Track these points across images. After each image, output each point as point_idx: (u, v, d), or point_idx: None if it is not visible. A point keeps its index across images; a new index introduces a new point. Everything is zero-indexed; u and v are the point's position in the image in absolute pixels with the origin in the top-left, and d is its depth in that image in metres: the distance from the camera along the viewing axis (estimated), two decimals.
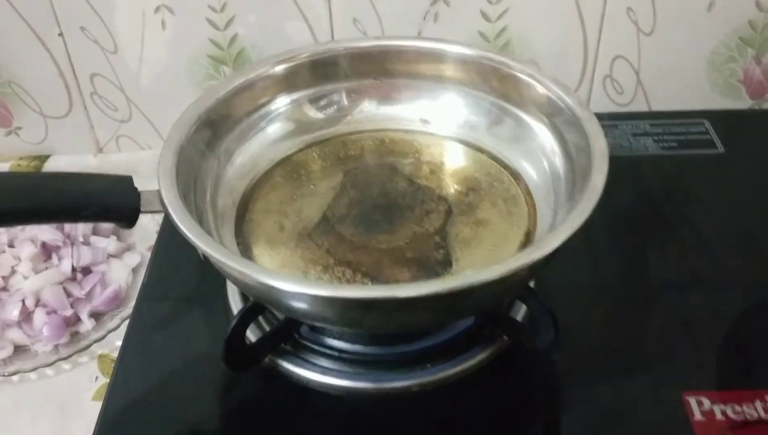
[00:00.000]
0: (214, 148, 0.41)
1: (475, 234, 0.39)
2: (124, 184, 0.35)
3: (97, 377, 0.45)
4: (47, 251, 0.49)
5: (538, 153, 0.41)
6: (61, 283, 0.48)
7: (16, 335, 0.46)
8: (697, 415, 0.35)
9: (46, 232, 0.49)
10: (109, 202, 0.34)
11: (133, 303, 0.45)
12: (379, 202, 0.41)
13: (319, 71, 0.45)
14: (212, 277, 0.42)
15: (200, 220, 0.36)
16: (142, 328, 0.42)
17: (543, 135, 0.41)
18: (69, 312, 0.47)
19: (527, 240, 0.39)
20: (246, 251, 0.38)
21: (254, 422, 0.37)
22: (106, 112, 0.62)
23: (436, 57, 0.45)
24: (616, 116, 0.57)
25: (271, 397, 0.38)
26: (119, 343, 0.42)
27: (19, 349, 0.46)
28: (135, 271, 0.51)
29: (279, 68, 0.44)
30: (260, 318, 0.39)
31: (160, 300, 0.44)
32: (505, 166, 0.43)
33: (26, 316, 0.47)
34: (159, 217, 0.51)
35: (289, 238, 0.39)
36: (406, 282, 0.36)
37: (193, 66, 0.59)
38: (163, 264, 0.46)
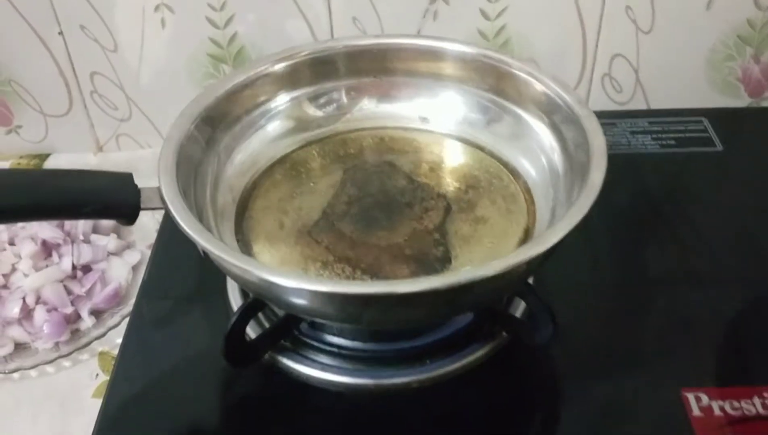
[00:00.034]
0: (214, 146, 0.41)
1: (474, 231, 0.39)
2: (125, 181, 0.35)
3: (97, 374, 0.45)
4: (48, 249, 0.50)
5: (537, 150, 0.41)
6: (61, 281, 0.48)
7: (17, 333, 0.46)
8: (696, 411, 0.35)
9: (46, 230, 0.50)
10: (110, 198, 0.34)
11: (133, 301, 0.45)
12: (379, 199, 0.41)
13: (319, 69, 0.45)
14: (212, 274, 0.42)
15: (200, 217, 0.36)
16: (142, 326, 0.42)
17: (542, 132, 0.41)
18: (69, 309, 0.47)
19: (526, 237, 0.39)
20: (246, 248, 0.39)
21: (254, 419, 0.37)
22: (106, 111, 0.62)
23: (435, 55, 0.45)
24: (614, 114, 0.57)
25: (271, 393, 0.38)
26: (119, 340, 0.42)
27: (19, 347, 0.46)
28: (135, 268, 0.51)
29: (279, 66, 0.44)
30: (260, 315, 0.40)
31: (160, 297, 0.44)
32: (504, 164, 0.43)
33: (27, 313, 0.47)
34: (159, 216, 0.51)
35: (288, 235, 0.39)
36: (406, 278, 0.36)
37: (192, 64, 0.59)
38: (163, 262, 0.46)
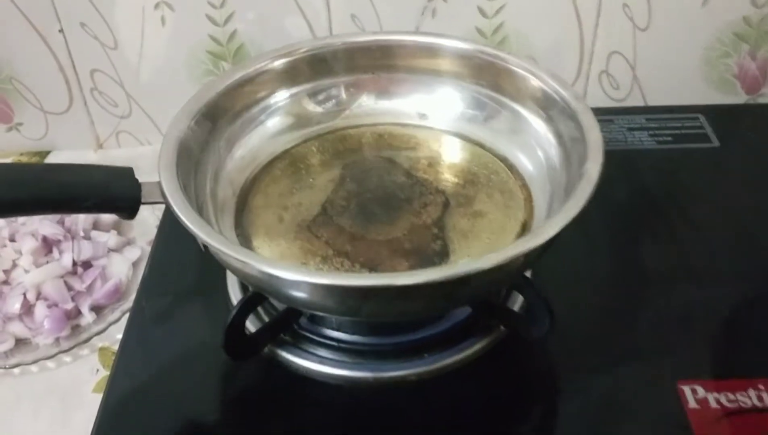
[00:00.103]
0: (214, 141, 0.41)
1: (473, 225, 0.39)
2: (125, 175, 0.35)
3: (97, 370, 0.45)
4: (48, 245, 0.50)
5: (534, 145, 0.42)
6: (62, 277, 0.48)
7: (18, 328, 0.46)
8: (692, 403, 0.36)
9: (47, 226, 0.50)
10: (111, 193, 0.35)
11: (133, 296, 0.45)
12: (378, 194, 0.42)
13: (318, 66, 0.45)
14: (212, 270, 0.42)
15: (200, 211, 0.36)
16: (143, 321, 0.42)
17: (539, 127, 0.42)
18: (70, 305, 0.47)
19: (524, 231, 0.39)
20: (245, 243, 0.39)
21: (254, 412, 0.37)
22: (106, 108, 0.62)
23: (433, 51, 0.45)
24: (611, 111, 0.58)
25: (271, 387, 0.38)
26: (120, 335, 0.42)
27: (20, 342, 0.46)
28: (135, 265, 0.51)
29: (278, 63, 0.44)
30: (260, 309, 0.40)
31: (160, 293, 0.44)
32: (502, 159, 0.43)
33: (27, 309, 0.47)
34: (159, 212, 0.51)
35: (288, 229, 0.40)
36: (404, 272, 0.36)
37: (192, 62, 0.59)
38: (163, 258, 0.46)
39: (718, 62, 0.60)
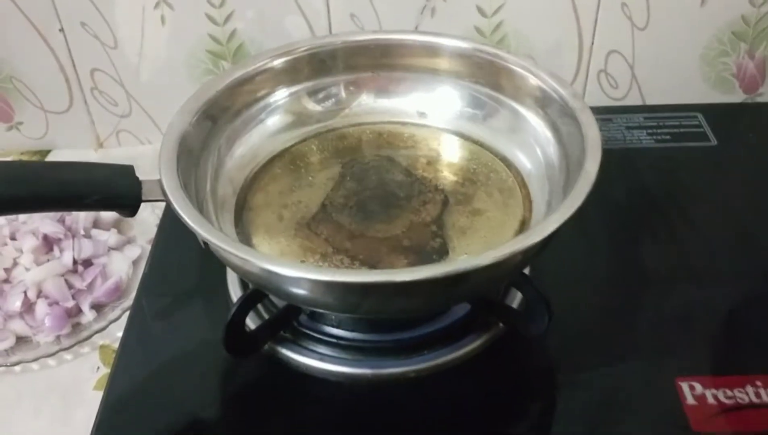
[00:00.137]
0: (215, 139, 0.41)
1: (471, 223, 0.40)
2: (126, 172, 0.36)
3: (98, 367, 0.45)
4: (49, 244, 0.50)
5: (533, 144, 0.42)
6: (62, 275, 0.48)
7: (19, 326, 0.47)
8: (690, 400, 0.36)
9: (47, 224, 0.50)
10: (111, 190, 0.35)
11: (133, 294, 0.45)
12: (377, 192, 0.42)
13: (318, 65, 0.46)
14: (212, 269, 0.43)
15: (200, 209, 0.36)
16: (143, 319, 0.43)
17: (537, 126, 0.42)
18: (70, 303, 0.47)
19: (522, 229, 0.39)
20: (245, 240, 0.39)
21: (254, 409, 0.37)
22: (107, 107, 0.62)
23: (432, 50, 0.45)
24: (610, 110, 0.58)
25: (271, 383, 0.38)
26: (120, 333, 0.43)
27: (21, 340, 0.47)
28: (135, 263, 0.51)
29: (278, 61, 0.44)
30: (260, 307, 0.40)
31: (160, 291, 0.44)
32: (501, 157, 0.44)
33: (28, 307, 0.47)
34: (159, 211, 0.51)
35: (288, 227, 0.40)
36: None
37: (192, 61, 0.59)
38: (163, 256, 0.47)
39: (717, 61, 0.60)
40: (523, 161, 0.42)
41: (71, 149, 0.64)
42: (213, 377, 0.39)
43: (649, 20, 0.58)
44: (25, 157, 0.64)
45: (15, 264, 0.49)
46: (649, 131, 0.55)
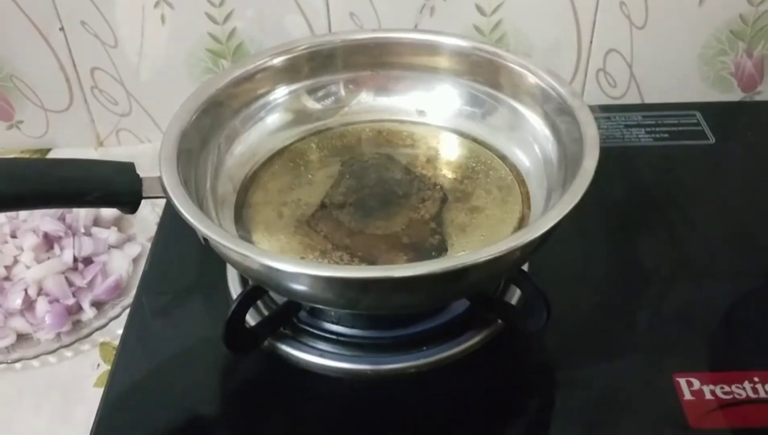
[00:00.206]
0: (214, 137, 0.41)
1: (470, 220, 0.40)
2: (127, 169, 0.36)
3: (98, 364, 0.46)
4: (49, 241, 0.50)
5: (532, 141, 0.42)
6: (63, 273, 0.48)
7: (19, 323, 0.47)
8: (687, 395, 0.36)
9: (48, 222, 0.50)
10: (112, 187, 0.35)
11: (133, 292, 0.45)
12: (376, 190, 0.42)
13: (317, 63, 0.46)
14: (212, 266, 0.43)
15: (201, 206, 0.36)
16: (143, 316, 0.43)
17: (536, 123, 0.42)
18: (71, 301, 0.47)
19: (521, 226, 0.39)
20: (245, 237, 0.39)
21: (254, 405, 0.38)
22: (107, 106, 0.62)
23: (431, 49, 0.46)
24: (609, 108, 0.58)
25: (271, 380, 0.38)
26: (120, 331, 0.43)
27: (21, 337, 0.47)
28: (135, 261, 0.51)
29: (278, 60, 0.45)
30: (259, 303, 0.40)
31: (160, 288, 0.44)
32: (500, 155, 0.44)
33: (29, 304, 0.47)
34: (159, 209, 0.51)
35: (287, 224, 0.40)
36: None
37: (192, 60, 0.60)
38: (163, 253, 0.47)
39: (715, 60, 0.60)
40: (522, 159, 0.43)
41: (71, 148, 0.64)
42: (213, 374, 0.39)
43: (647, 19, 0.58)
44: (25, 156, 0.64)
45: (15, 262, 0.49)
46: (648, 129, 0.55)
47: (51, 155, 0.64)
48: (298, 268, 0.31)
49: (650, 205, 0.49)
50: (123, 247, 0.52)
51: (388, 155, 0.45)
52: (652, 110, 0.57)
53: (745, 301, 0.42)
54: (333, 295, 0.33)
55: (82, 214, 0.52)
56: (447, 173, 0.43)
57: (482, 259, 0.30)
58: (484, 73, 0.44)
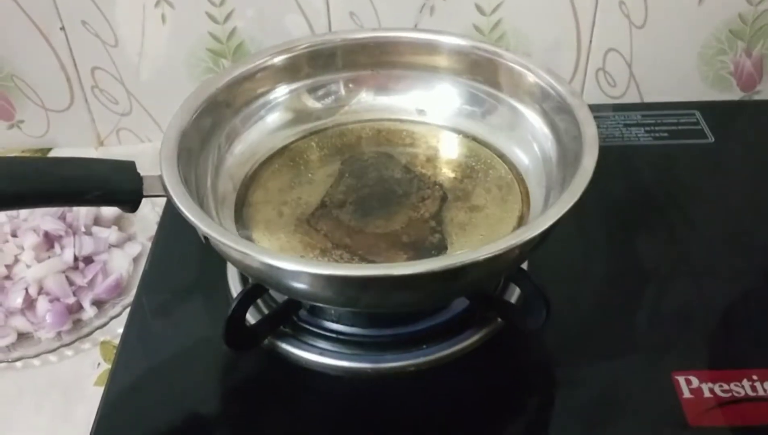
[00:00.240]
0: (215, 136, 0.41)
1: (470, 219, 0.40)
2: (127, 168, 0.36)
3: (99, 363, 0.46)
4: (50, 241, 0.50)
5: (531, 140, 0.42)
6: (63, 272, 0.48)
7: (20, 322, 0.47)
8: (686, 394, 0.36)
9: (48, 222, 0.50)
10: (113, 186, 0.35)
11: (134, 291, 0.45)
12: (376, 189, 0.42)
13: (318, 62, 0.46)
14: (212, 266, 0.43)
15: (201, 205, 0.36)
16: (144, 315, 0.43)
17: (536, 123, 0.42)
18: (71, 300, 0.47)
19: (520, 224, 0.40)
20: (245, 236, 0.39)
21: (254, 403, 0.38)
22: (107, 106, 0.62)
23: (431, 48, 0.46)
24: (608, 107, 0.58)
25: (271, 378, 0.39)
26: (121, 330, 0.43)
27: (22, 336, 0.47)
28: (136, 260, 0.51)
29: (278, 59, 0.45)
30: (260, 302, 0.40)
31: (161, 287, 0.44)
32: (499, 154, 0.44)
33: (29, 303, 0.47)
34: (159, 208, 0.52)
35: (287, 223, 0.40)
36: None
37: (192, 59, 0.60)
38: (164, 253, 0.47)
39: (714, 60, 0.60)
40: (521, 158, 0.43)
41: (72, 147, 0.64)
42: (213, 372, 0.39)
43: (647, 19, 0.58)
44: (26, 155, 0.64)
45: (16, 261, 0.49)
46: (647, 129, 0.55)
47: (51, 155, 0.64)
48: (299, 266, 0.31)
49: (649, 204, 0.49)
50: (123, 247, 0.52)
51: (388, 154, 0.45)
52: (651, 109, 0.57)
53: (744, 299, 0.42)
54: (333, 293, 0.33)
55: (82, 214, 0.52)
56: (447, 172, 0.43)
57: (481, 258, 0.30)
58: (484, 72, 0.44)
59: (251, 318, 0.39)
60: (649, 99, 0.62)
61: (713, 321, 0.40)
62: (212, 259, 0.37)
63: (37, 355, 0.45)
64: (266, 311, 0.40)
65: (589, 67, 0.61)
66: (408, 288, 0.32)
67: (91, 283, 0.49)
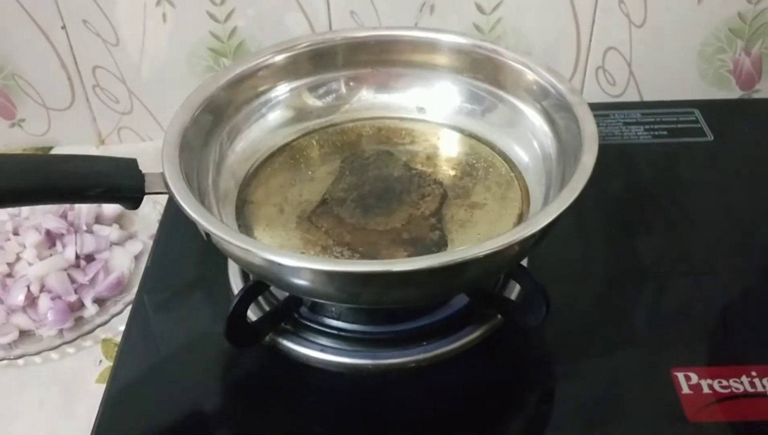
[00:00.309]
0: (216, 134, 0.42)
1: (470, 216, 0.40)
2: (129, 165, 0.36)
3: (100, 361, 0.46)
4: (51, 239, 0.50)
5: (531, 138, 0.42)
6: (65, 270, 0.49)
7: (22, 320, 0.47)
8: (685, 389, 0.36)
9: (50, 220, 0.50)
10: (115, 182, 0.35)
11: (135, 289, 0.46)
12: (377, 186, 0.42)
13: (318, 60, 0.46)
14: (213, 263, 0.43)
15: (202, 202, 0.36)
16: (145, 313, 0.43)
17: (535, 120, 0.42)
18: (73, 297, 0.48)
19: (520, 221, 0.40)
20: (247, 233, 0.39)
21: (255, 400, 0.38)
22: (108, 104, 0.63)
23: (431, 46, 0.46)
24: (608, 106, 0.58)
25: (272, 374, 0.39)
26: (122, 327, 0.43)
27: (24, 334, 0.47)
28: (137, 258, 0.51)
29: (279, 57, 0.45)
30: (261, 299, 0.40)
31: (162, 285, 0.45)
32: (499, 151, 0.44)
33: (31, 301, 0.47)
34: (161, 207, 0.52)
35: (288, 220, 0.40)
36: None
37: (193, 58, 0.60)
38: (165, 250, 0.47)
39: (714, 58, 0.60)
40: (521, 155, 0.43)
41: (73, 146, 0.64)
42: (215, 369, 0.39)
43: (646, 17, 0.58)
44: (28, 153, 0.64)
45: (18, 259, 0.49)
46: (647, 127, 0.55)
47: (53, 153, 0.64)
48: (300, 263, 0.31)
49: (649, 202, 0.49)
50: (125, 244, 0.52)
51: (389, 152, 0.45)
52: (651, 108, 0.57)
53: (743, 294, 0.42)
54: (334, 289, 0.33)
55: (83, 212, 0.52)
56: (447, 170, 0.43)
57: (481, 254, 0.30)
58: (484, 71, 0.45)
59: (252, 315, 0.39)
60: (648, 97, 0.62)
61: (712, 317, 0.41)
62: (213, 256, 0.38)
63: (38, 353, 0.46)
64: (267, 308, 0.40)
65: (588, 65, 0.61)
66: (408, 284, 0.32)
67: (93, 280, 0.49)
